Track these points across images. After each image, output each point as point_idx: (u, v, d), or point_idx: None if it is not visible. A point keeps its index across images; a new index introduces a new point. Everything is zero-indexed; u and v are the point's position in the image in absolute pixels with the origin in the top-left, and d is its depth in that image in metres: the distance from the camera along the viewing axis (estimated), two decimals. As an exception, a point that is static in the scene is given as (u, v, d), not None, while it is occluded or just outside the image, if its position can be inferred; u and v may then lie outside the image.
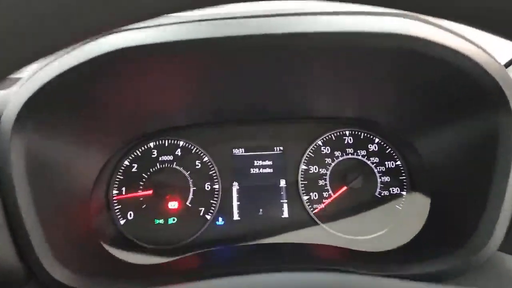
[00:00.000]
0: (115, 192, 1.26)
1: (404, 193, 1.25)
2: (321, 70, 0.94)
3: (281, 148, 1.32)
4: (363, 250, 1.12)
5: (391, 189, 1.26)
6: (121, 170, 1.28)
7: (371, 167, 1.28)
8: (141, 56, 0.74)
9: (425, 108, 1.03)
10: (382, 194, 1.25)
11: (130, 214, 1.24)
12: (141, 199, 1.25)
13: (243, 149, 1.32)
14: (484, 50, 0.79)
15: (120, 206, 1.25)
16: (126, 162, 1.29)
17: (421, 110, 1.05)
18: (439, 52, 0.74)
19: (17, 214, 0.78)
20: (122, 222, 1.23)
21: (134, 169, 1.28)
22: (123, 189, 1.26)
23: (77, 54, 0.74)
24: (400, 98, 1.04)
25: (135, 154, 1.29)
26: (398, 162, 1.28)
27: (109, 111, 0.98)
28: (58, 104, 0.84)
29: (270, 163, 1.31)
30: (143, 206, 1.24)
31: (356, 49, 0.79)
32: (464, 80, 0.81)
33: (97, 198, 1.20)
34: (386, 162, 1.28)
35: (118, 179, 1.27)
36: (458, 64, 0.77)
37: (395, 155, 1.29)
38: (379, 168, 1.28)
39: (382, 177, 1.27)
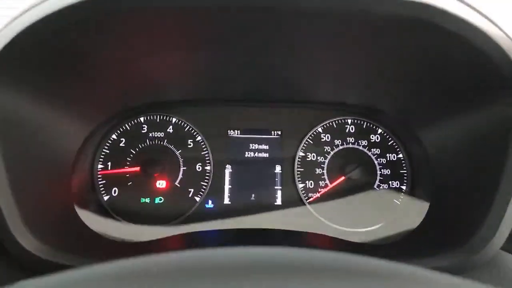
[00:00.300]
0: (100, 166, 1.19)
1: (404, 187, 1.20)
2: (325, 47, 0.87)
3: (279, 132, 1.25)
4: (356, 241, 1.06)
5: (390, 182, 1.20)
6: (107, 144, 1.20)
7: (371, 158, 1.22)
8: (125, 9, 0.67)
9: (435, 95, 0.97)
10: (381, 187, 1.20)
11: (115, 190, 1.17)
12: (127, 175, 1.18)
13: (238, 131, 1.25)
14: (507, 35, 0.73)
15: (104, 182, 1.18)
16: (114, 136, 1.21)
17: (430, 97, 0.99)
18: (459, 28, 0.68)
19: None
20: (105, 198, 1.17)
21: (121, 144, 1.21)
22: (109, 164, 1.19)
23: (51, 2, 0.66)
24: (409, 83, 0.97)
25: (124, 128, 1.22)
26: (400, 155, 1.22)
27: (92, 75, 0.90)
28: (35, 61, 0.76)
29: (266, 147, 1.24)
30: (129, 183, 1.18)
31: (365, 18, 0.71)
32: (482, 64, 0.75)
33: (80, 171, 1.13)
34: (387, 154, 1.23)
35: (104, 153, 1.20)
36: (477, 45, 0.70)
37: (397, 148, 1.23)
38: (380, 160, 1.22)
39: (382, 170, 1.21)
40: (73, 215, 1.02)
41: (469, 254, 0.80)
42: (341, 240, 1.05)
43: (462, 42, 0.70)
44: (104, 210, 1.15)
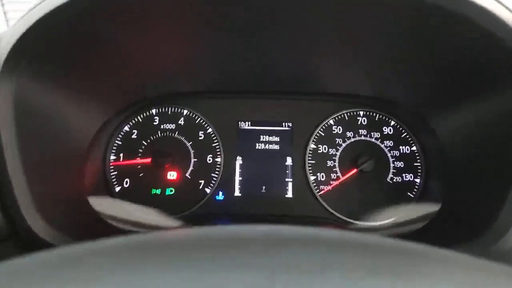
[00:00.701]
0: (112, 157, 1.20)
1: (417, 180, 1.17)
2: (336, 36, 0.86)
3: (290, 124, 1.24)
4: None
5: (404, 175, 1.18)
6: (120, 135, 1.22)
7: (384, 150, 1.20)
8: None
9: (448, 84, 0.94)
10: (394, 180, 1.18)
11: (127, 181, 1.18)
12: (139, 167, 1.19)
13: (249, 123, 1.25)
14: None
15: (116, 173, 1.19)
16: (126, 128, 1.22)
17: (444, 86, 0.96)
18: (469, 12, 0.66)
19: (1, 161, 0.72)
20: (117, 189, 1.18)
21: (133, 136, 1.22)
22: (121, 155, 1.20)
23: None
24: (422, 72, 0.95)
25: (136, 120, 1.23)
26: (414, 148, 1.20)
27: (106, 64, 0.91)
28: (52, 49, 0.77)
29: (277, 139, 1.23)
30: (141, 175, 1.18)
31: (378, 4, 0.70)
32: (494, 48, 0.72)
33: (93, 161, 1.14)
34: (400, 147, 1.20)
35: (116, 144, 1.21)
36: (490, 29, 0.68)
37: (411, 140, 1.21)
38: (393, 153, 1.20)
39: (395, 162, 1.19)
40: (84, 203, 1.03)
41: (483, 247, 0.77)
42: (357, 229, 1.03)
43: (475, 26, 0.68)
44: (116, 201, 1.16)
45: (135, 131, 1.22)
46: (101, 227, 1.02)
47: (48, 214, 0.79)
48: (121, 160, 1.20)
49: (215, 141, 1.22)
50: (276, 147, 1.23)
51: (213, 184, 1.19)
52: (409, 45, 0.86)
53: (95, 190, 1.12)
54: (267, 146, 1.23)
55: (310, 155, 1.21)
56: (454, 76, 0.91)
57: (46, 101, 0.86)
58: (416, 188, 1.17)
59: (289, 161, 1.21)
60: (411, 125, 1.21)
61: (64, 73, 0.86)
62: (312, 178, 1.19)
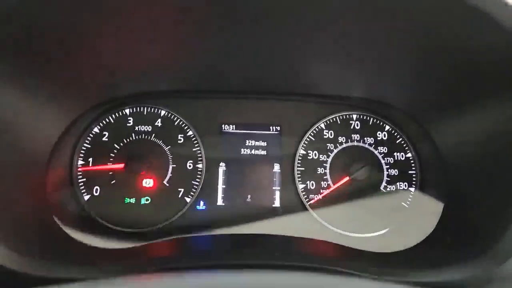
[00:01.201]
0: (80, 162, 1.08)
1: (412, 189, 1.11)
2: (328, 33, 0.77)
3: (278, 128, 1.15)
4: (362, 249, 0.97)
5: (398, 184, 1.11)
6: (89, 138, 1.09)
7: (378, 157, 1.12)
8: None
9: (450, 87, 0.87)
10: (388, 189, 1.11)
11: (97, 189, 1.07)
12: (111, 173, 1.07)
13: (233, 126, 1.15)
14: None
15: (85, 180, 1.07)
16: (96, 129, 1.10)
17: (444, 89, 0.89)
18: (483, 4, 0.58)
19: None
20: (86, 197, 1.06)
21: (104, 138, 1.10)
22: (90, 159, 1.08)
23: None
24: (421, 73, 0.87)
25: (107, 120, 1.11)
26: (409, 154, 1.13)
27: (70, 61, 0.79)
28: (9, 47, 0.65)
29: (264, 144, 1.14)
30: (113, 182, 1.07)
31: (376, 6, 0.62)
32: (507, 49, 0.65)
33: (58, 167, 1.02)
34: (395, 153, 1.13)
35: (85, 148, 1.09)
36: (505, 25, 0.61)
37: (406, 146, 1.14)
38: (387, 160, 1.12)
39: (389, 170, 1.12)
40: (47, 219, 0.91)
41: (489, 267, 0.71)
42: (346, 248, 0.95)
43: (487, 21, 0.60)
44: (84, 212, 1.04)
45: (106, 133, 1.10)
46: (70, 246, 0.91)
47: (3, 234, 0.68)
48: (90, 165, 1.08)
49: (196, 145, 1.12)
50: (263, 152, 1.13)
51: (194, 192, 1.09)
52: (407, 46, 0.78)
53: (61, 201, 1.00)
54: (252, 152, 1.13)
55: (299, 161, 1.12)
56: (457, 80, 0.83)
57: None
58: (410, 197, 1.10)
59: (276, 168, 1.12)
60: (406, 130, 1.14)
61: (20, 70, 0.73)
62: (301, 186, 1.10)
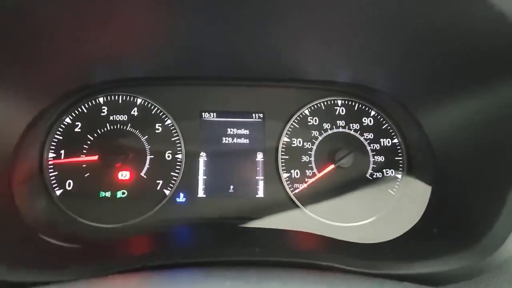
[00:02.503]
0: (51, 155, 1.02)
1: (399, 176, 1.08)
2: (311, 14, 0.72)
3: (261, 115, 1.10)
4: (349, 240, 0.94)
5: (384, 170, 1.08)
6: (60, 129, 1.03)
7: (363, 144, 1.09)
8: None
9: (440, 70, 0.83)
10: (374, 176, 1.08)
11: (69, 183, 1.01)
12: (84, 165, 1.02)
13: (214, 114, 1.10)
14: None
15: (56, 173, 1.01)
16: (68, 120, 1.04)
17: (434, 73, 0.85)
18: None
19: None
20: (58, 192, 1.00)
21: (77, 129, 1.04)
22: (62, 152, 1.02)
23: None
24: (409, 55, 0.83)
25: (80, 110, 1.05)
26: (395, 140, 1.10)
27: (36, 45, 0.72)
28: None
29: (246, 132, 1.09)
30: (86, 175, 1.01)
31: None
32: (503, 32, 0.61)
33: (26, 161, 0.95)
34: (381, 139, 1.10)
35: (56, 139, 1.03)
36: (503, 8, 0.57)
37: (392, 132, 1.10)
38: (373, 146, 1.09)
39: (375, 156, 1.09)
40: (14, 217, 0.85)
41: (479, 256, 0.68)
42: (331, 240, 0.92)
43: (479, 4, 0.56)
44: (55, 207, 0.98)
45: (78, 123, 1.04)
46: (39, 245, 0.85)
47: None
48: (62, 158, 1.02)
49: (174, 134, 1.06)
50: (245, 141, 1.09)
51: (173, 184, 1.04)
52: (399, 30, 0.73)
53: (29, 197, 0.94)
54: (235, 140, 1.09)
55: (283, 149, 1.08)
56: (447, 63, 0.79)
57: None
58: (397, 185, 1.07)
59: (259, 156, 1.08)
60: (393, 115, 1.11)
61: None
62: (285, 175, 1.06)
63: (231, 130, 1.09)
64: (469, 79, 0.79)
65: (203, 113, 1.09)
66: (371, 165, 1.08)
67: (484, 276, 0.70)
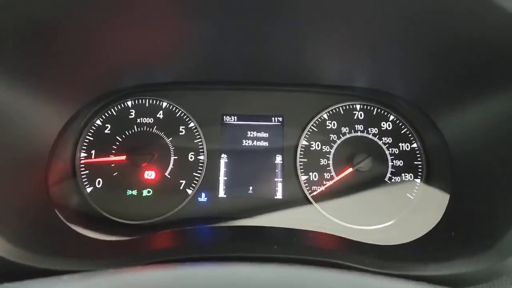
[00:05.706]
0: (83, 154, 1.08)
1: (418, 180, 1.08)
2: (331, 21, 0.75)
3: (280, 119, 1.13)
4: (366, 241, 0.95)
5: (403, 175, 1.08)
6: (92, 130, 1.10)
7: (382, 148, 1.10)
8: None
9: (458, 75, 0.84)
10: (393, 180, 1.08)
11: (99, 181, 1.07)
12: (113, 165, 1.07)
13: (235, 117, 1.13)
14: None
15: (87, 172, 1.07)
16: (98, 122, 1.10)
17: (452, 78, 0.86)
18: None
19: None
20: (88, 190, 1.06)
21: (107, 130, 1.10)
22: (93, 152, 1.08)
23: None
24: (427, 61, 0.84)
25: (110, 113, 1.11)
26: (414, 145, 1.10)
27: (70, 52, 0.79)
28: (5, 40, 0.65)
29: (266, 135, 1.13)
30: (114, 174, 1.07)
31: None
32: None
33: (60, 160, 1.02)
34: (400, 144, 1.10)
35: (87, 140, 1.09)
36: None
37: (411, 137, 1.11)
38: (392, 150, 1.10)
39: (394, 161, 1.09)
40: (48, 211, 0.92)
41: (497, 259, 0.68)
42: (348, 240, 0.93)
43: (498, 10, 0.58)
44: (86, 204, 1.05)
45: (108, 125, 1.10)
46: (71, 238, 0.91)
47: (6, 228, 0.68)
48: (92, 157, 1.08)
49: (197, 137, 1.11)
50: (265, 143, 1.12)
51: (195, 184, 1.08)
52: (418, 36, 0.75)
53: (63, 193, 1.00)
54: (254, 143, 1.12)
55: (302, 152, 1.10)
56: (465, 68, 0.80)
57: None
58: (416, 189, 1.07)
59: (278, 159, 1.11)
60: (411, 120, 1.11)
61: (21, 64, 0.73)
62: (303, 177, 1.09)
63: (251, 133, 1.13)
64: (489, 84, 0.79)
65: (224, 117, 1.13)
66: (390, 169, 1.09)
67: (502, 279, 0.70)
